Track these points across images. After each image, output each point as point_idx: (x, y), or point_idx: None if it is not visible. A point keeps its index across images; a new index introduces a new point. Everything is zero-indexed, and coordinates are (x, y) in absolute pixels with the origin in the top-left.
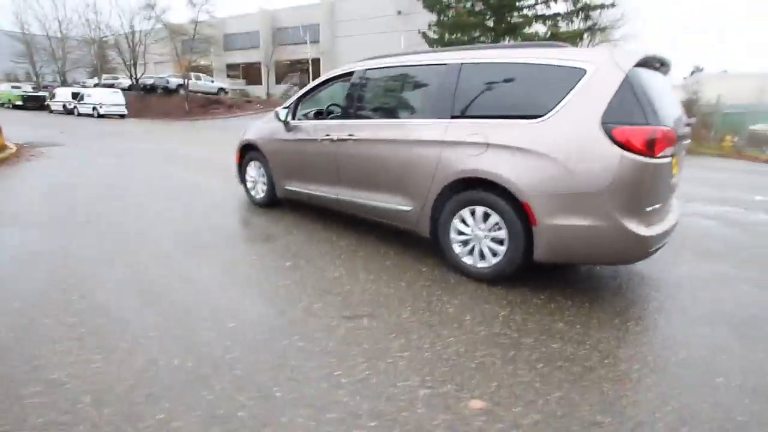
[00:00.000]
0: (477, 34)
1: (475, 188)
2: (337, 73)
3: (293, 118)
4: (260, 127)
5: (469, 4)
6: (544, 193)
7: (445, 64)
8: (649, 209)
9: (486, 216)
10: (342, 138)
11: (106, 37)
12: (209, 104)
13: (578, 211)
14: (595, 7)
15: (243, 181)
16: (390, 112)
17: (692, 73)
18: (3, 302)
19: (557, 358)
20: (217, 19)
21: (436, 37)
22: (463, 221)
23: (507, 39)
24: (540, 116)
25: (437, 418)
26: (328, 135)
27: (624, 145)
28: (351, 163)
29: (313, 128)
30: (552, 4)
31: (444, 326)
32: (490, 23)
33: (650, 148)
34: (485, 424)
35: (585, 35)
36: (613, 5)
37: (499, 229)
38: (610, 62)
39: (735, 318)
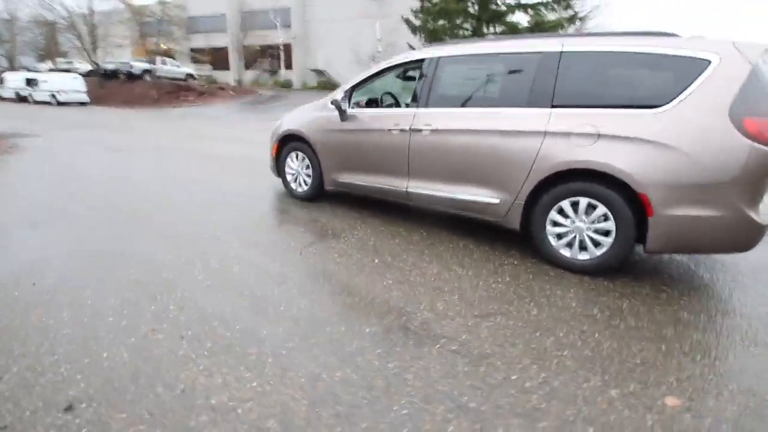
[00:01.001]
0: (460, 21)
1: (578, 179)
2: (402, 61)
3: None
4: (306, 115)
5: None
6: (664, 184)
7: (540, 52)
8: (764, 199)
9: (590, 207)
10: (416, 128)
11: (60, 18)
12: (179, 91)
13: (700, 202)
14: None
15: (280, 173)
16: (475, 101)
17: None
18: (97, 317)
19: (708, 347)
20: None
21: (419, 23)
22: (561, 213)
23: (491, 27)
24: (658, 106)
25: (647, 419)
26: (397, 125)
27: (754, 137)
28: (426, 154)
29: (376, 118)
30: None
31: (580, 321)
32: (474, 10)
33: None
34: (694, 420)
35: (566, 24)
36: None
37: (605, 220)
38: (736, 53)
39: None
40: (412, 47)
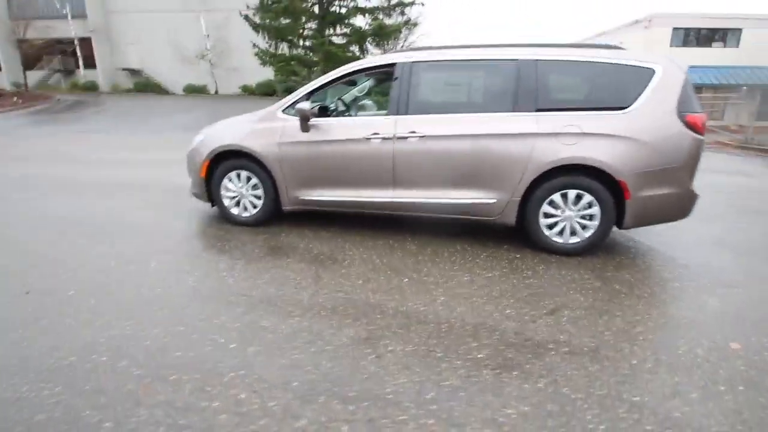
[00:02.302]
0: (304, 20)
1: (567, 174)
2: (366, 65)
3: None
4: (247, 127)
5: None
6: (637, 172)
7: (516, 59)
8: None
9: (578, 197)
10: (401, 136)
11: None
12: None
13: (663, 183)
14: (407, 4)
15: (213, 198)
16: (459, 107)
17: None
18: None
19: (701, 294)
20: None
21: (258, 21)
22: (551, 204)
23: (335, 28)
24: (624, 107)
25: (738, 364)
26: (376, 133)
27: (693, 128)
28: (415, 161)
29: (346, 126)
30: None
31: (618, 299)
32: (316, 11)
33: (703, 128)
34: (757, 356)
35: (403, 29)
36: (414, 3)
37: (590, 207)
38: (672, 64)
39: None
40: (256, 46)
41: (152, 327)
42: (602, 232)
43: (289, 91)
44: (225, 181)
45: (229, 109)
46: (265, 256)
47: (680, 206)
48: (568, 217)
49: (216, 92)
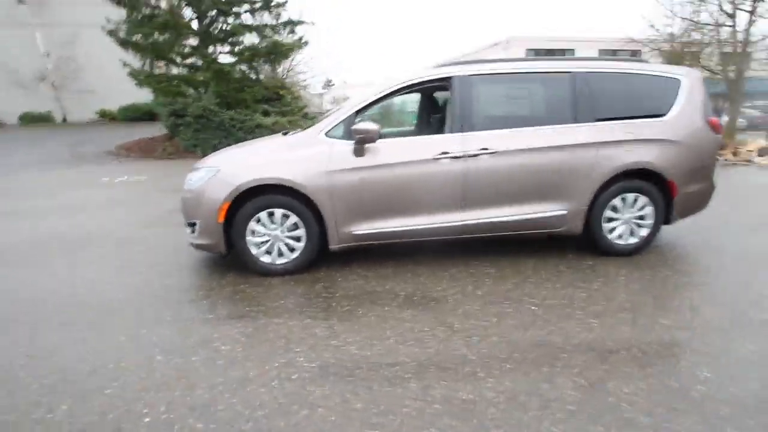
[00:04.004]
0: (183, 36)
1: (624, 179)
2: (417, 80)
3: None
4: (280, 156)
5: (175, 2)
6: (681, 171)
7: (571, 71)
8: None
9: (635, 199)
10: (471, 153)
11: None
12: None
13: (698, 179)
14: (296, 23)
15: (234, 244)
16: (525, 120)
17: (326, 84)
18: None
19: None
20: None
21: (126, 37)
22: (612, 209)
23: (216, 46)
24: (664, 114)
25: None
26: (444, 152)
27: (715, 130)
28: (487, 179)
29: (406, 147)
30: (259, 15)
31: (717, 289)
32: (195, 26)
33: (721, 129)
34: None
35: (297, 48)
36: (303, 22)
37: (643, 207)
38: (693, 74)
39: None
40: (127, 64)
41: None
42: (655, 229)
43: (177, 114)
44: (251, 225)
45: (94, 139)
46: (353, 310)
47: (707, 198)
48: (627, 220)
49: (64, 120)
